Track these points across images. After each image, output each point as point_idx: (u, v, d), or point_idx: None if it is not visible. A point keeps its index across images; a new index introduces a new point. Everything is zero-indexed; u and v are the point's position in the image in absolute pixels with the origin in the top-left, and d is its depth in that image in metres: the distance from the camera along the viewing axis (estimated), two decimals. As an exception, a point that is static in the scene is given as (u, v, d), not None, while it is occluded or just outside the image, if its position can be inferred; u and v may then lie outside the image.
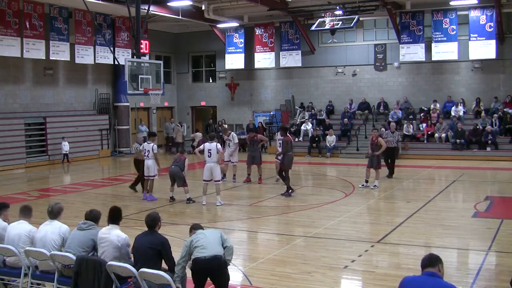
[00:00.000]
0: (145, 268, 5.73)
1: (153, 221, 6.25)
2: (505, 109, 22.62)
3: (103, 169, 22.82)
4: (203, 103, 30.41)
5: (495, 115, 22.59)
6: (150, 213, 6.44)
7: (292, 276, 7.59)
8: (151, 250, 6.02)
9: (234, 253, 8.99)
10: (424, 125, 23.56)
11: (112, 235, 6.22)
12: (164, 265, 6.17)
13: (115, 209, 6.60)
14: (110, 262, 5.96)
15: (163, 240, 6.14)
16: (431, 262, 4.55)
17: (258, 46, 27.06)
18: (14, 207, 7.33)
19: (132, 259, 6.26)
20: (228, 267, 6.18)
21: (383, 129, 18.69)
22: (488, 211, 12.00)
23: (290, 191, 14.02)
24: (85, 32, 22.73)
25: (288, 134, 14.85)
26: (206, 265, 5.89)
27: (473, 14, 22.89)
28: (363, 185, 15.19)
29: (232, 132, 17.45)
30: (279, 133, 15.35)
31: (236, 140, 17.08)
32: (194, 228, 6.39)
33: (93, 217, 6.60)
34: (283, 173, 14.25)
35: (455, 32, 23.15)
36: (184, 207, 12.92)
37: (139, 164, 14.62)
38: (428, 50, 23.71)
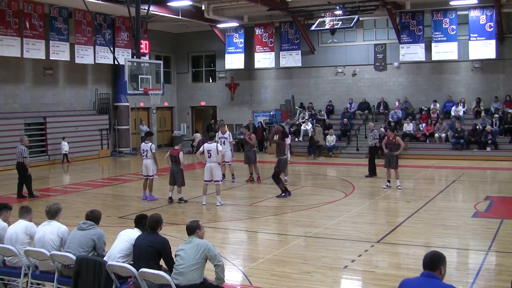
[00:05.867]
0: (144, 268, 5.73)
1: (155, 223, 6.23)
2: (505, 109, 22.61)
3: (103, 169, 22.82)
4: (203, 103, 30.41)
5: (496, 115, 22.59)
6: (152, 214, 6.40)
7: (292, 276, 7.59)
8: (151, 248, 6.02)
9: (234, 253, 9.04)
10: (424, 125, 23.57)
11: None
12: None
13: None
14: (110, 262, 5.97)
15: (164, 241, 6.14)
16: (432, 265, 4.45)
17: (258, 46, 27.06)
18: (14, 207, 7.33)
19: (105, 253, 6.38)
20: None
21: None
22: (488, 211, 11.99)
23: (284, 194, 13.86)
24: (85, 32, 22.73)
25: (285, 139, 14.64)
26: None
27: (473, 14, 22.89)
28: (387, 186, 15.02)
29: (228, 131, 17.39)
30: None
31: (231, 139, 17.04)
32: (188, 231, 6.11)
33: (93, 217, 6.59)
34: (278, 176, 14.09)
35: (455, 32, 23.15)
36: (184, 207, 12.92)
37: (22, 168, 14.34)
38: (428, 50, 23.71)
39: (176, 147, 13.49)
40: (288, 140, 15.60)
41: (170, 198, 13.36)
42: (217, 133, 16.91)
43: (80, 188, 16.18)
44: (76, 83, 25.01)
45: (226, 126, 18.42)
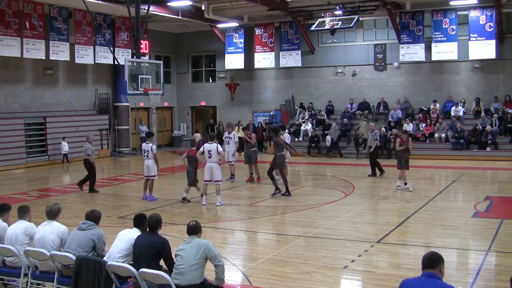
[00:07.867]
0: (144, 268, 5.73)
1: (155, 223, 6.22)
2: (505, 109, 22.60)
3: (103, 169, 22.79)
4: (203, 103, 30.41)
5: (495, 115, 22.59)
6: (152, 214, 6.39)
7: (292, 276, 7.59)
8: (151, 249, 6.02)
9: (234, 253, 9.04)
10: (424, 125, 23.57)
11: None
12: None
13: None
14: (110, 262, 5.97)
15: (164, 241, 6.14)
16: (432, 263, 4.48)
17: (258, 46, 27.06)
18: (14, 207, 7.33)
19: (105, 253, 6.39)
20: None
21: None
22: (488, 211, 12.00)
23: (277, 192, 13.92)
24: (85, 32, 22.73)
25: (279, 135, 14.74)
26: None
27: (473, 14, 22.89)
28: (399, 186, 14.91)
29: (234, 131, 17.53)
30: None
31: (237, 139, 17.15)
32: (188, 231, 6.09)
33: (93, 217, 6.59)
34: (271, 172, 14.14)
35: (455, 32, 23.15)
36: (184, 207, 12.92)
37: (89, 165, 14.79)
38: (428, 50, 23.71)
39: (193, 148, 13.58)
40: (287, 140, 15.60)
41: (184, 198, 13.30)
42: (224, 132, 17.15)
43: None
44: (76, 83, 25.00)
45: (233, 126, 18.45)
